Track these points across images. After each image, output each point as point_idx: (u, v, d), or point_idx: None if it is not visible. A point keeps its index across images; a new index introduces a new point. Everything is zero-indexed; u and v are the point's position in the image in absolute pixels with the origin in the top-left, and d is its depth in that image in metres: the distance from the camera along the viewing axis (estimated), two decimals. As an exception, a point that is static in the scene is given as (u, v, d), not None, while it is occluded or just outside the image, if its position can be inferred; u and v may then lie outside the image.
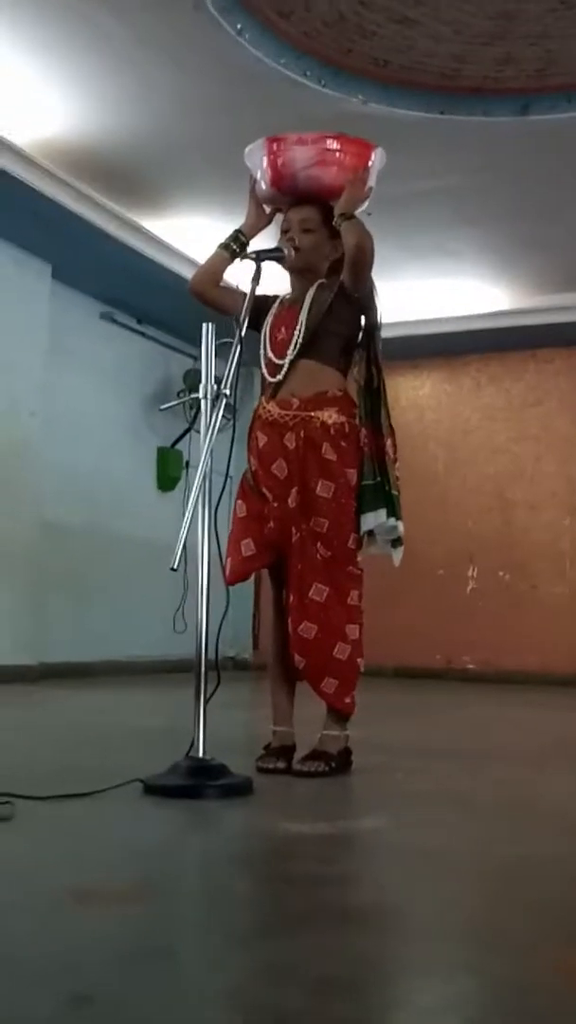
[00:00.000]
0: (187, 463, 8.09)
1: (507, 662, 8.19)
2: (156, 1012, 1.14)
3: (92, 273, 7.03)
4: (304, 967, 1.30)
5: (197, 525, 2.56)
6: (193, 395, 2.67)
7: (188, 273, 6.61)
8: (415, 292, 7.67)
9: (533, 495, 8.52)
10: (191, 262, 6.81)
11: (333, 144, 2.92)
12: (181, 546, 2.33)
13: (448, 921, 1.56)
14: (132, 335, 7.85)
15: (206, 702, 2.52)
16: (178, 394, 7.87)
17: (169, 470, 8.08)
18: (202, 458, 2.52)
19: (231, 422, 2.71)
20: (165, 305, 7.13)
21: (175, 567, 2.30)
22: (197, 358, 2.74)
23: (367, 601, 2.95)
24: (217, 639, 2.56)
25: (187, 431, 7.86)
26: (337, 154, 2.91)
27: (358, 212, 2.93)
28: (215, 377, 2.65)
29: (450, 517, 8.60)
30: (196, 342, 2.70)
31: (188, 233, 6.67)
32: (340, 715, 2.92)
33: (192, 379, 7.69)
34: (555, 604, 8.29)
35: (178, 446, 8.11)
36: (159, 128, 5.54)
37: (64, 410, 7.04)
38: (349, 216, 2.86)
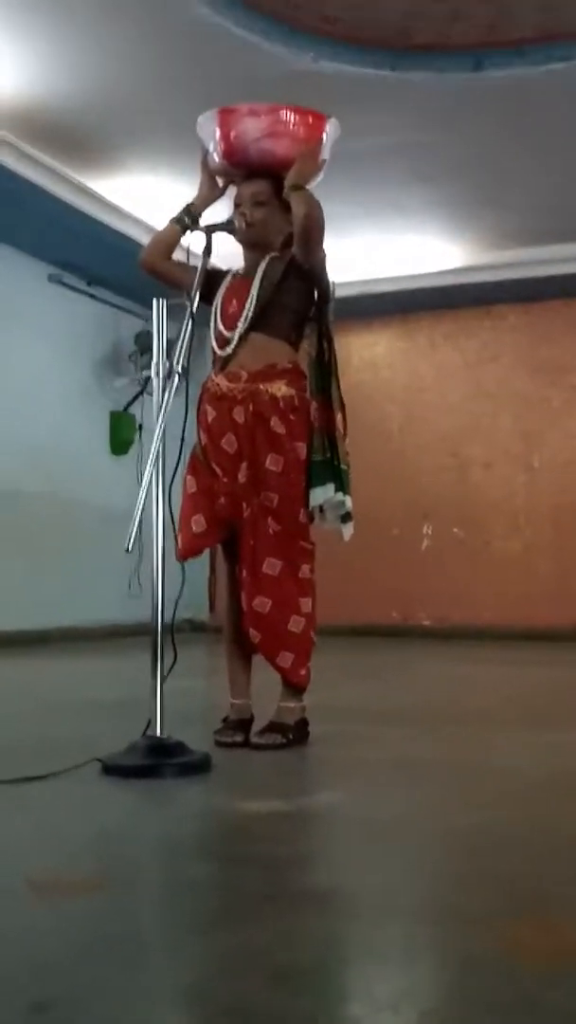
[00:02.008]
0: (140, 426, 8.02)
1: (462, 618, 8.29)
2: (117, 1013, 1.15)
3: (40, 235, 6.90)
4: (263, 955, 1.32)
5: (152, 503, 2.54)
6: (145, 372, 2.64)
7: (137, 234, 6.53)
8: (368, 250, 7.62)
9: (488, 452, 8.57)
10: (139, 222, 6.71)
11: (286, 115, 2.87)
12: (135, 528, 2.32)
13: (401, 899, 1.60)
14: (82, 297, 7.72)
15: (163, 680, 2.53)
16: (129, 357, 7.79)
17: (122, 434, 8.00)
18: (155, 437, 2.49)
19: (185, 382, 2.66)
20: (115, 266, 7.01)
21: (129, 549, 2.28)
22: (148, 320, 2.69)
23: (322, 558, 2.98)
24: (173, 615, 2.57)
25: (139, 394, 7.79)
26: (290, 126, 2.87)
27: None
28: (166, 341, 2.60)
29: (405, 475, 8.64)
30: (147, 303, 2.66)
31: (136, 193, 6.55)
32: (296, 687, 2.94)
33: (143, 341, 7.59)
34: (509, 560, 8.39)
35: (130, 409, 8.04)
36: (105, 86, 5.41)
37: (14, 373, 6.94)
38: (299, 187, 2.83)
